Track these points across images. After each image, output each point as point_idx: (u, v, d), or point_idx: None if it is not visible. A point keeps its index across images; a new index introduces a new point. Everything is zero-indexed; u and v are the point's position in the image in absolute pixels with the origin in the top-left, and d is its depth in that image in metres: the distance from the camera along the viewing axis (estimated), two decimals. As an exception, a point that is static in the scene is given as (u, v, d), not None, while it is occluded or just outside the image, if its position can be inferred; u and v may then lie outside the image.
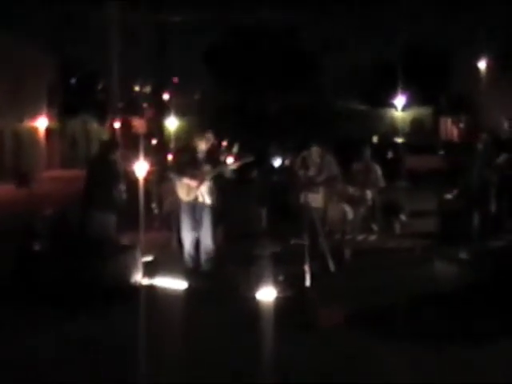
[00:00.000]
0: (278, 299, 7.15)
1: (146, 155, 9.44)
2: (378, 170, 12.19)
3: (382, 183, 12.17)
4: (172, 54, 44.42)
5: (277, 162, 14.78)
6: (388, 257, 9.72)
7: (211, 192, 8.68)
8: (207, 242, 8.65)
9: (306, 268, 7.45)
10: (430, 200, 12.81)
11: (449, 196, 11.14)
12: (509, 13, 33.01)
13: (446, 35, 42.42)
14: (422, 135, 40.56)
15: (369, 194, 11.83)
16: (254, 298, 7.23)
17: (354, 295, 7.41)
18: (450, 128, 43.84)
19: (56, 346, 6.06)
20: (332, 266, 8.59)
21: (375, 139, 35.49)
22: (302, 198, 9.32)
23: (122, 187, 8.86)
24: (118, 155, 9.06)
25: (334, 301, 7.04)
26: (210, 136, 8.92)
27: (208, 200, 8.65)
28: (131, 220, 8.75)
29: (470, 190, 10.41)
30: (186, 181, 8.67)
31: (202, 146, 8.77)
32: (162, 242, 10.02)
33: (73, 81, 44.07)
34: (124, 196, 8.88)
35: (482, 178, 10.48)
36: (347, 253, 9.50)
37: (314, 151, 9.72)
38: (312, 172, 9.54)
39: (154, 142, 25.77)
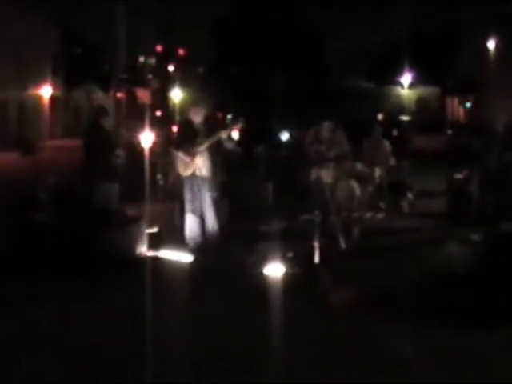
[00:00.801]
0: (286, 275, 7.03)
1: (151, 126, 9.31)
2: (388, 148, 12.04)
3: (391, 161, 12.02)
4: (178, 26, 43.89)
5: (284, 137, 14.60)
6: (397, 236, 9.64)
7: (207, 164, 8.54)
8: (210, 218, 8.55)
9: (316, 245, 7.30)
10: (437, 179, 12.67)
11: (459, 176, 10.95)
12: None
13: (454, 14, 41.80)
14: (427, 114, 40.27)
15: (377, 171, 11.69)
16: (262, 273, 7.10)
17: (365, 274, 7.29)
18: (457, 108, 43.53)
19: (60, 316, 5.95)
20: (343, 244, 8.50)
21: (380, 117, 35.16)
22: (313, 174, 9.19)
23: (120, 153, 8.78)
24: (108, 121, 9.04)
25: (344, 279, 6.92)
26: (200, 109, 8.80)
27: (205, 172, 8.53)
28: (136, 191, 8.62)
29: (489, 172, 10.24)
30: (181, 156, 8.57)
31: (197, 119, 8.66)
32: (166, 214, 9.89)
33: (78, 50, 43.74)
34: (121, 162, 8.80)
35: (502, 161, 10.34)
36: (355, 231, 9.37)
37: (326, 127, 9.58)
38: (323, 147, 9.40)
39: (158, 113, 25.56)
